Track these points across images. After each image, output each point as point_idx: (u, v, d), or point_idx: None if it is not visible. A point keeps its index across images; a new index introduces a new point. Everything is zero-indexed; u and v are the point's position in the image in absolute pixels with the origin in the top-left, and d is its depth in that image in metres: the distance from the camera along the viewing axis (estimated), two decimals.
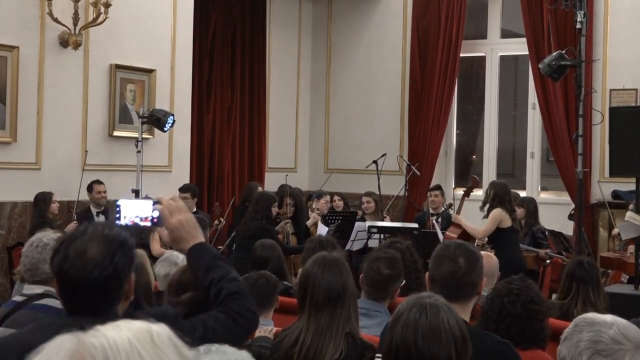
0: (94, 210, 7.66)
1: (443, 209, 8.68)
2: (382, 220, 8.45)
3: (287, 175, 8.67)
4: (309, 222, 8.50)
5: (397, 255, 3.79)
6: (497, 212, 7.19)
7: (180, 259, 3.75)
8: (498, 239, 7.17)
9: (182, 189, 8.24)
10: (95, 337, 1.06)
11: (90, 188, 7.67)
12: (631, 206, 7.09)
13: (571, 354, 1.77)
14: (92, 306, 2.04)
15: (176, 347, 1.12)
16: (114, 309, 2.07)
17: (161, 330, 1.12)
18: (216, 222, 8.41)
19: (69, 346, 1.05)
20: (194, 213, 7.86)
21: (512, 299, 3.20)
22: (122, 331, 1.08)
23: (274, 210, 7.62)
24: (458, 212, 7.82)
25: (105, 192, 7.69)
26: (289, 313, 3.77)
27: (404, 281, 3.74)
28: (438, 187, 9.00)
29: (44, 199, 7.17)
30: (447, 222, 8.56)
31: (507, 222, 7.18)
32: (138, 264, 3.77)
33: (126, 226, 2.34)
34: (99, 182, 7.70)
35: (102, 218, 7.63)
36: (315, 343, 2.81)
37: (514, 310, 3.18)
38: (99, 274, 2.03)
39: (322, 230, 7.97)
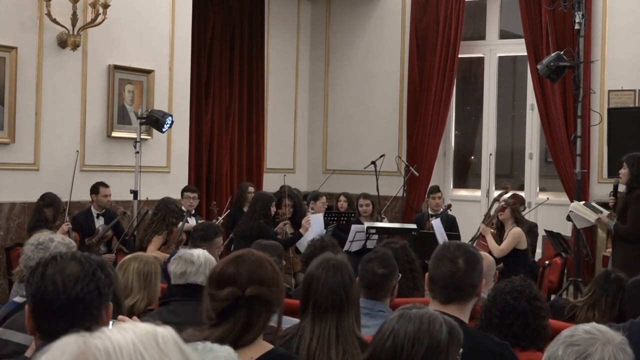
0: (94, 212, 7.62)
1: (442, 209, 8.67)
2: (380, 221, 8.44)
3: (285, 175, 8.66)
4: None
5: (389, 252, 3.80)
6: (517, 231, 6.97)
7: (195, 256, 3.74)
8: (510, 259, 6.90)
9: (191, 190, 8.34)
10: (100, 340, 1.06)
11: (96, 190, 7.60)
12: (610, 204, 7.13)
13: (550, 351, 1.87)
14: (71, 329, 1.90)
15: (181, 351, 1.11)
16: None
17: (167, 333, 1.12)
18: (214, 220, 8.41)
19: (74, 348, 1.05)
20: (194, 215, 7.95)
21: (516, 295, 3.22)
22: (127, 334, 1.07)
23: (272, 210, 7.60)
24: (488, 223, 7.37)
25: (110, 195, 7.66)
26: (288, 314, 3.76)
27: (400, 275, 3.74)
28: (439, 189, 8.99)
29: (50, 202, 7.14)
30: (447, 223, 8.55)
31: (524, 244, 6.98)
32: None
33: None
34: (104, 184, 7.64)
35: (102, 220, 7.60)
36: (321, 349, 2.80)
37: (519, 305, 3.20)
38: (80, 289, 1.97)
39: (312, 233, 7.74)
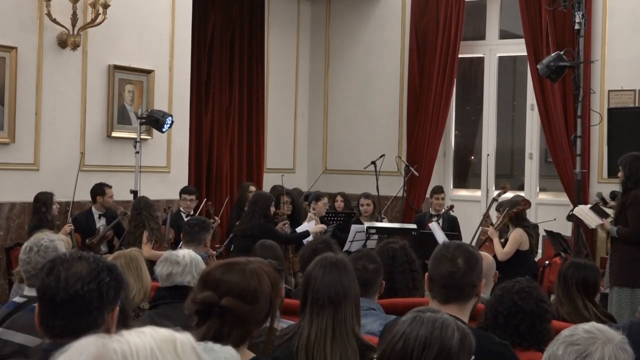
0: (96, 213, 7.63)
1: (444, 210, 8.66)
2: (380, 221, 8.44)
3: (282, 175, 8.65)
4: (306, 222, 8.48)
5: (372, 250, 3.81)
6: (519, 233, 6.84)
7: (181, 257, 3.75)
8: (510, 259, 6.77)
9: (189, 191, 8.27)
10: (118, 343, 1.07)
11: (102, 191, 7.61)
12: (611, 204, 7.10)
13: (550, 350, 1.88)
14: (69, 327, 1.98)
15: (199, 358, 1.12)
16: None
17: (185, 339, 1.12)
18: (211, 221, 8.40)
19: (92, 349, 1.06)
20: (190, 215, 7.93)
21: (524, 295, 3.24)
22: (145, 338, 1.08)
23: (272, 209, 7.61)
24: (497, 227, 7.17)
25: (113, 195, 7.69)
26: (288, 314, 3.77)
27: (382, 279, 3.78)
28: (442, 189, 8.98)
29: (44, 200, 7.13)
30: (448, 223, 8.54)
31: (526, 245, 6.88)
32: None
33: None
34: (108, 185, 7.68)
35: (104, 221, 7.61)
36: (318, 343, 2.81)
37: (527, 306, 3.21)
38: (80, 287, 2.00)
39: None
